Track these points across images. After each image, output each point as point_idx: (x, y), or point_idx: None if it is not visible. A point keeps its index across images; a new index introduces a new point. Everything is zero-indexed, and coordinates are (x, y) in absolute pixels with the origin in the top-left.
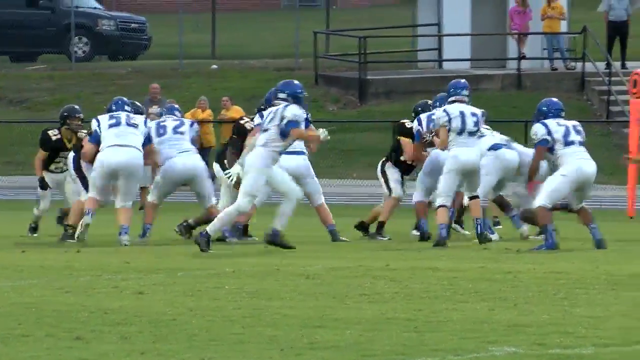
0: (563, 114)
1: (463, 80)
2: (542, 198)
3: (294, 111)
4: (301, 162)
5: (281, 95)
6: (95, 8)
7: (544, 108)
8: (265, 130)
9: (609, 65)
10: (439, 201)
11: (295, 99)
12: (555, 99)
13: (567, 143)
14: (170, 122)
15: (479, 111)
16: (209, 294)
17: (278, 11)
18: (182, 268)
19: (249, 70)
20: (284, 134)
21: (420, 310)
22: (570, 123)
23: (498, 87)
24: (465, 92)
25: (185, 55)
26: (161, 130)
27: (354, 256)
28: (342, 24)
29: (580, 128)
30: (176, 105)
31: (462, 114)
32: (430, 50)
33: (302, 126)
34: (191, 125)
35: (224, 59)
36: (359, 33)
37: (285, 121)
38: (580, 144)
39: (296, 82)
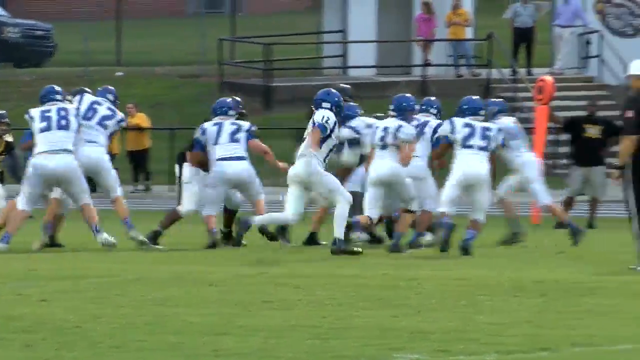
0: (482, 112)
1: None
2: (438, 204)
3: (323, 114)
4: (245, 168)
5: (325, 105)
6: (0, 15)
7: (464, 106)
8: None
9: (514, 72)
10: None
11: (338, 107)
12: (476, 98)
13: (465, 146)
14: (103, 109)
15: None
16: (113, 301)
17: (183, 18)
18: (87, 275)
19: (154, 78)
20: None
21: (324, 317)
22: (481, 125)
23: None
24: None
25: (91, 62)
26: (90, 113)
27: (258, 263)
28: (248, 31)
29: (491, 133)
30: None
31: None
32: (335, 57)
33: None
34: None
35: (129, 66)
36: (264, 40)
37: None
38: (482, 148)
39: (334, 90)
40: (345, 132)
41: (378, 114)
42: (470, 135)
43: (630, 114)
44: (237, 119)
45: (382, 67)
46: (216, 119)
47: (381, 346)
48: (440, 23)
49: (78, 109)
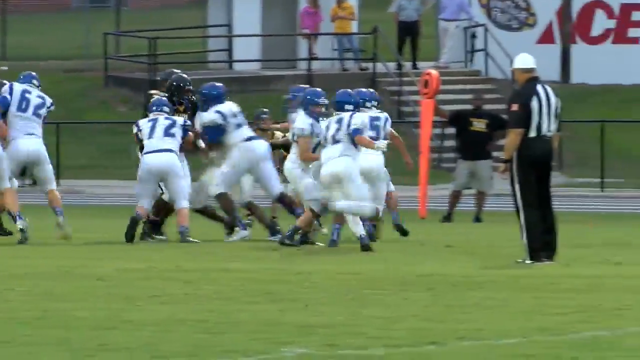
0: (369, 105)
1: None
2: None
3: (361, 118)
4: (168, 159)
5: (348, 107)
6: None
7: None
8: (338, 141)
9: (399, 66)
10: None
11: (357, 106)
12: (365, 90)
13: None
14: (34, 98)
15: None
16: (1, 296)
17: (69, 12)
18: None
19: (39, 72)
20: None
21: (212, 312)
22: (367, 115)
23: (288, 88)
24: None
25: None
26: (24, 104)
27: (146, 257)
28: (133, 25)
29: (379, 123)
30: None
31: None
32: (220, 51)
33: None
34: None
35: (14, 61)
36: (149, 34)
37: (351, 129)
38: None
39: (350, 90)
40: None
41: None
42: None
43: (515, 107)
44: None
45: (267, 60)
46: (152, 115)
47: (269, 340)
48: (326, 17)
49: (6, 98)
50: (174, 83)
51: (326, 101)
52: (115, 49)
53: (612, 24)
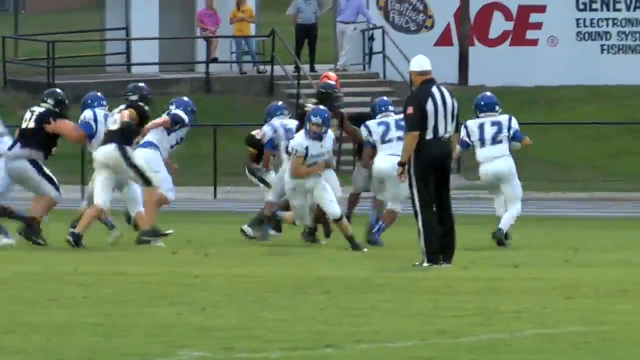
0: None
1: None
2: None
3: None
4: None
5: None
6: None
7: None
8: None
9: (297, 69)
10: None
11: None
12: (384, 98)
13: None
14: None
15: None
16: None
17: None
18: None
19: None
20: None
21: (109, 315)
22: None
23: (186, 91)
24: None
25: None
26: None
27: (44, 261)
28: (31, 28)
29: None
30: None
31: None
32: (118, 54)
33: None
34: None
35: None
36: (47, 38)
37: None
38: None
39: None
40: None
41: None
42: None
43: (410, 110)
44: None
45: (165, 63)
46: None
47: (166, 343)
48: (224, 19)
49: None
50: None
51: (320, 120)
52: (14, 52)
53: (509, 26)
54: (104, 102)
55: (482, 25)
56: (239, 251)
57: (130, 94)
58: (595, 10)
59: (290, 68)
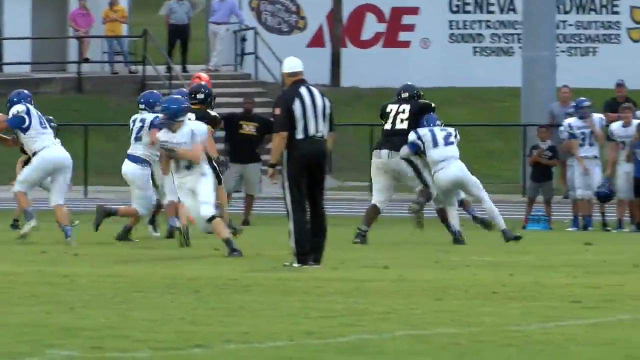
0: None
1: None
2: None
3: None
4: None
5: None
6: None
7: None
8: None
9: (169, 69)
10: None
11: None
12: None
13: None
14: None
15: None
16: None
17: None
18: None
19: None
20: None
21: None
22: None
23: (58, 91)
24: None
25: None
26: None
27: None
28: None
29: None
30: None
31: None
32: None
33: None
34: None
35: None
36: None
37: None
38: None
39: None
40: None
41: None
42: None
43: (277, 111)
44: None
45: (36, 63)
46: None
47: (34, 342)
48: (97, 19)
49: None
50: None
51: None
52: None
53: (382, 27)
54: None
55: (354, 26)
56: (108, 251)
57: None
58: (468, 12)
59: (162, 68)
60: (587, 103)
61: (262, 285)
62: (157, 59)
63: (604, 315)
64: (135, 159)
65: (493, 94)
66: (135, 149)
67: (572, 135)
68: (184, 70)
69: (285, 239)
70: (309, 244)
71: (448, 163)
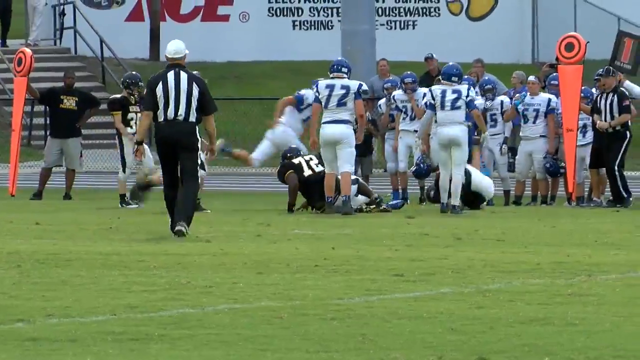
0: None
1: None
2: None
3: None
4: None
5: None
6: None
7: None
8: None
9: None
10: None
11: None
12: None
13: None
14: None
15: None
16: None
17: None
18: None
19: None
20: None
21: None
22: None
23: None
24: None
25: None
26: None
27: None
28: None
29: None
30: None
31: None
32: None
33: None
34: None
35: None
36: None
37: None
38: None
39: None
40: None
41: None
42: None
43: (145, 92)
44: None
45: None
46: None
47: None
48: None
49: None
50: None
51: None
52: None
53: (201, 1)
54: None
55: (173, 0)
56: None
57: None
58: None
59: None
60: (409, 79)
61: (84, 260)
62: None
63: (426, 288)
64: None
65: (313, 67)
66: None
67: (397, 109)
68: (4, 45)
69: (107, 213)
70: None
71: None
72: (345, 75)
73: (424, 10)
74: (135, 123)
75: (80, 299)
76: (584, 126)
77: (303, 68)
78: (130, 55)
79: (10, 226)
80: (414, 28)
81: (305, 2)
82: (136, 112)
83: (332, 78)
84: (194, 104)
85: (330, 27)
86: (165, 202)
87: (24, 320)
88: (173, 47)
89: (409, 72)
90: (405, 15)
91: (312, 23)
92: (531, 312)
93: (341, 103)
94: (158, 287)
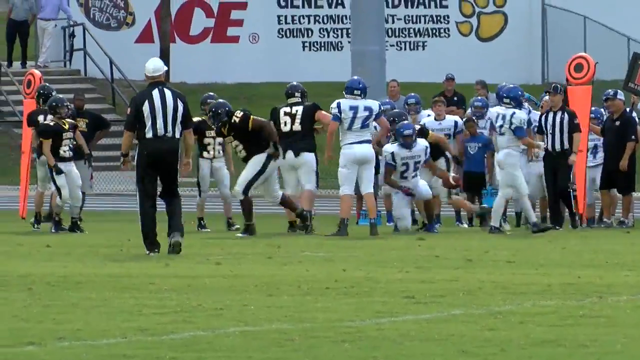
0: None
1: None
2: None
3: (521, 116)
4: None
5: (505, 100)
6: None
7: None
8: (502, 134)
9: None
10: None
11: (517, 102)
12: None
13: None
14: None
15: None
16: None
17: None
18: None
19: None
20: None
21: None
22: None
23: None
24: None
25: None
26: None
27: None
28: None
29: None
30: None
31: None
32: None
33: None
34: None
35: None
36: None
37: (514, 127)
38: None
39: (513, 85)
40: None
41: None
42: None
43: (128, 111)
44: None
45: None
46: None
47: None
48: None
49: None
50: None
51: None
52: None
53: (211, 22)
54: None
55: (183, 22)
56: None
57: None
58: (297, 7)
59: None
60: (411, 100)
61: (94, 282)
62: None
63: (437, 310)
64: None
65: (323, 88)
66: None
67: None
68: (24, 66)
69: (117, 236)
70: (154, 233)
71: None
72: (362, 96)
73: (434, 31)
74: (213, 148)
75: (90, 321)
76: (595, 147)
77: (313, 89)
78: (141, 77)
79: (21, 249)
80: (424, 49)
81: (315, 23)
82: (214, 137)
83: (350, 98)
84: (179, 119)
85: (340, 48)
86: (144, 218)
87: (34, 344)
88: (152, 66)
89: (412, 94)
90: (415, 36)
91: (322, 44)
92: (542, 333)
93: (365, 125)
94: (168, 309)
